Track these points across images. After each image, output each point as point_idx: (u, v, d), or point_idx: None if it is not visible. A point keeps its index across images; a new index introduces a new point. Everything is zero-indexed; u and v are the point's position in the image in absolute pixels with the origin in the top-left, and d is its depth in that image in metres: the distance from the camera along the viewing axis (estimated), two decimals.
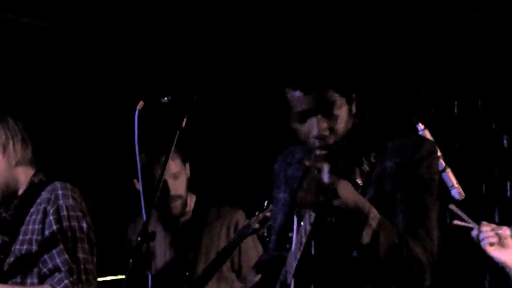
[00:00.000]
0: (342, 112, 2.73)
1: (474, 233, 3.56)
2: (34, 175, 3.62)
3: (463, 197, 3.27)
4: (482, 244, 3.52)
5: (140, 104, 2.92)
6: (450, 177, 3.33)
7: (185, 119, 2.95)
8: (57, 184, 3.56)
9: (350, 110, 2.77)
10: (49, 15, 5.19)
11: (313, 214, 2.63)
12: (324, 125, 2.71)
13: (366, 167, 2.50)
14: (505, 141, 4.97)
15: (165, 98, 2.95)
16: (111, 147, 5.39)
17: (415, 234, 2.67)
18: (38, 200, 3.56)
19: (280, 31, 4.90)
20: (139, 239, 2.87)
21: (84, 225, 3.55)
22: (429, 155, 2.75)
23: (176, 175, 4.40)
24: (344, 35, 4.96)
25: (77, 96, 5.46)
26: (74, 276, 3.45)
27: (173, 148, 2.94)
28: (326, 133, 2.71)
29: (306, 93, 2.69)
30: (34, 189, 3.59)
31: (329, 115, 2.72)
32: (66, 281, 3.44)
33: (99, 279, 3.76)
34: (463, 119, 5.11)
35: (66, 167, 4.51)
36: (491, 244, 3.46)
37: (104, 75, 5.47)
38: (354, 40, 4.96)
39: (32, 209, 3.56)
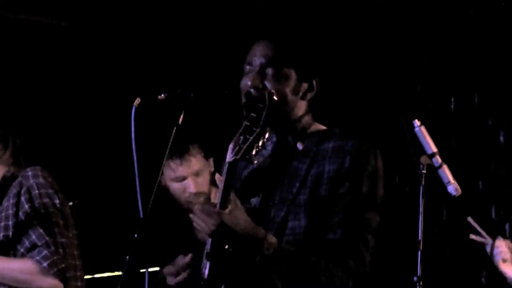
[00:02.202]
0: (284, 83, 2.74)
1: (488, 247, 3.57)
2: (6, 171, 3.67)
3: (459, 193, 3.28)
4: (495, 259, 3.53)
5: (137, 101, 2.93)
6: (446, 173, 3.34)
7: (181, 116, 2.95)
8: (27, 168, 3.62)
9: (296, 90, 2.76)
10: (47, 12, 5.19)
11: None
12: (259, 80, 2.73)
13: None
14: (501, 137, 4.98)
15: (162, 95, 2.95)
16: (108, 144, 5.39)
17: (351, 248, 2.65)
18: (10, 188, 3.60)
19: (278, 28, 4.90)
20: (135, 235, 2.88)
21: (57, 201, 3.58)
22: (369, 163, 2.68)
23: (199, 172, 4.38)
24: (340, 29, 4.96)
25: (74, 93, 5.46)
26: (52, 248, 3.48)
27: (170, 145, 2.94)
28: (255, 83, 2.72)
29: (262, 45, 2.76)
30: (6, 182, 3.63)
31: (270, 76, 2.74)
32: (45, 251, 3.47)
33: (96, 275, 3.77)
34: (460, 115, 5.12)
35: (63, 164, 4.51)
36: (504, 260, 3.47)
37: (101, 72, 5.47)
38: (345, 33, 4.97)
39: (4, 199, 3.61)
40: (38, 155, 3.79)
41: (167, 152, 2.97)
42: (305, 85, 2.78)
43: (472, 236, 3.65)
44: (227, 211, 2.59)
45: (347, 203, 2.65)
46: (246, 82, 2.75)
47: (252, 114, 2.61)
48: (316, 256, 2.64)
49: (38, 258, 3.48)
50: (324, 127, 2.81)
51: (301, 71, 2.76)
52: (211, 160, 4.46)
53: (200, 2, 5.19)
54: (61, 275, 3.49)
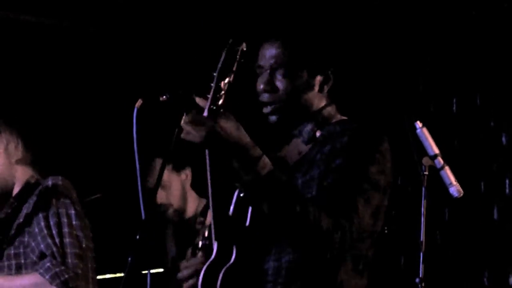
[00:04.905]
0: (296, 81, 2.76)
1: None
2: (31, 177, 3.70)
3: (461, 195, 3.28)
4: None
5: (139, 102, 2.93)
6: (448, 174, 3.34)
7: (183, 117, 2.96)
8: (49, 178, 3.63)
9: (310, 85, 2.78)
10: (49, 13, 5.20)
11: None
12: (266, 82, 2.76)
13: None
14: (503, 139, 4.98)
15: (164, 97, 2.96)
16: (109, 146, 5.39)
17: (328, 209, 2.56)
18: (32, 196, 3.63)
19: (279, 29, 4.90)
20: (137, 237, 2.88)
21: (72, 212, 3.60)
22: (367, 142, 2.68)
23: (164, 183, 4.36)
24: (342, 26, 4.96)
25: (76, 94, 5.46)
26: (58, 259, 3.49)
27: (172, 146, 2.94)
28: (267, 88, 2.76)
29: (269, 46, 2.77)
30: (29, 189, 3.66)
31: (280, 77, 2.76)
32: (48, 264, 3.49)
33: (98, 277, 3.77)
34: (462, 116, 5.11)
35: (65, 165, 4.52)
36: None
37: (103, 73, 5.47)
38: (343, 29, 4.96)
39: (24, 205, 3.63)
40: (41, 157, 3.81)
41: (169, 153, 2.97)
42: (319, 78, 2.80)
43: None
44: (219, 117, 2.52)
45: (340, 175, 2.62)
46: (259, 86, 2.78)
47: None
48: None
49: (41, 271, 3.50)
50: (345, 118, 2.83)
51: (311, 66, 2.78)
52: (186, 173, 4.44)
53: (203, 4, 5.19)
54: (64, 286, 3.49)
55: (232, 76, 2.60)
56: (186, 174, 4.46)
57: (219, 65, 2.60)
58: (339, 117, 2.84)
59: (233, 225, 2.72)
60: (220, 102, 2.55)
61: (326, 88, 2.81)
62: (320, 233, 2.53)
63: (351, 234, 2.57)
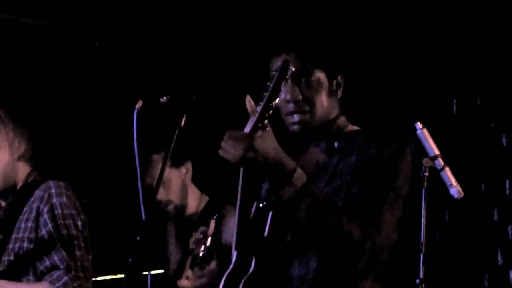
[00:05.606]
0: (320, 87, 2.78)
1: None
2: (28, 174, 3.69)
3: (461, 196, 3.27)
4: None
5: (139, 103, 2.93)
6: (448, 175, 3.32)
7: (184, 119, 2.96)
8: (50, 183, 3.61)
9: (330, 90, 2.80)
10: (49, 15, 5.20)
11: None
12: (297, 92, 2.76)
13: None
14: (504, 140, 4.98)
15: (164, 98, 2.96)
16: (110, 147, 5.39)
17: (359, 219, 2.61)
18: (32, 199, 3.61)
19: (279, 32, 4.90)
20: (138, 238, 2.88)
21: (79, 223, 3.59)
22: (394, 153, 2.74)
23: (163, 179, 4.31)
24: (343, 28, 4.96)
25: (76, 95, 5.46)
26: (73, 273, 3.49)
27: (172, 147, 2.94)
28: (295, 98, 2.75)
29: (286, 56, 2.73)
30: (27, 188, 3.65)
31: (304, 85, 2.77)
32: (65, 278, 3.48)
33: (99, 278, 3.78)
34: (462, 117, 5.11)
35: (65, 167, 4.52)
36: None
37: (104, 74, 5.47)
38: (351, 31, 4.96)
39: (25, 208, 3.61)
40: (40, 158, 3.81)
41: (168, 155, 2.97)
42: (335, 82, 2.83)
43: None
44: (258, 135, 2.53)
45: (369, 184, 2.67)
46: (285, 96, 2.76)
47: (268, 83, 2.59)
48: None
49: (58, 284, 3.48)
50: (358, 128, 2.87)
51: (329, 69, 2.80)
52: (183, 168, 4.38)
53: (203, 6, 5.19)
54: None
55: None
56: (187, 168, 4.37)
57: (272, 85, 2.57)
58: (351, 127, 2.87)
59: (251, 235, 2.73)
60: (266, 121, 2.55)
61: (339, 94, 2.84)
62: (352, 243, 2.59)
63: (379, 243, 2.64)
